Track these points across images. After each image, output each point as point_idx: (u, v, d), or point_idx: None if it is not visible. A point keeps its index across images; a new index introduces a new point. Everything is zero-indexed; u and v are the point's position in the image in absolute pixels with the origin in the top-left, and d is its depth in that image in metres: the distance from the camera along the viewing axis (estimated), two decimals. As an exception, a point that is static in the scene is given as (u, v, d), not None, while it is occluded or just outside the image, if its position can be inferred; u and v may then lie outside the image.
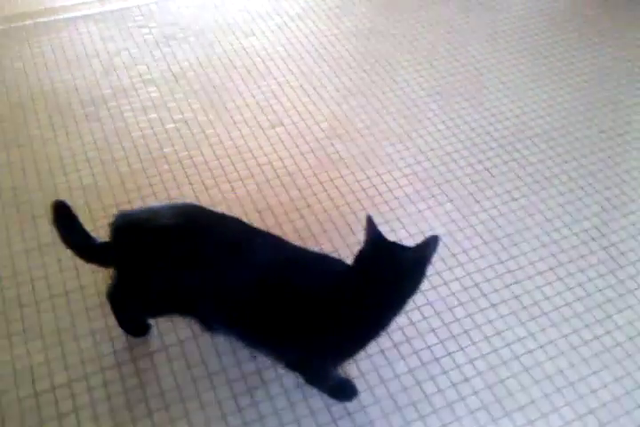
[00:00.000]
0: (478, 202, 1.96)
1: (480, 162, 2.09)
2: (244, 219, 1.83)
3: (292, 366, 1.39)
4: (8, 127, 2.13)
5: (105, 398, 1.46)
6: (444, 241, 1.84)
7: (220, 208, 1.91)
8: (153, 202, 1.91)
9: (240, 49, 2.52)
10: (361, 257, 1.26)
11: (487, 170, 2.06)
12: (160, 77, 2.36)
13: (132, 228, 1.32)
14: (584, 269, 1.79)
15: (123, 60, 2.43)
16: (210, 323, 1.37)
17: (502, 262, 1.80)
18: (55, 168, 2.00)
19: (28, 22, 2.60)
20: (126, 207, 1.89)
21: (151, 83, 2.34)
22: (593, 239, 1.87)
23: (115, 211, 1.85)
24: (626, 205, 1.97)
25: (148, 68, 2.40)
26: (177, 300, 1.32)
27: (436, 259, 1.73)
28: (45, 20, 2.62)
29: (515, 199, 1.97)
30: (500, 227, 1.89)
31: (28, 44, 2.49)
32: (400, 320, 1.57)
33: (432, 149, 2.13)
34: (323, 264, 1.32)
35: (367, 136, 2.17)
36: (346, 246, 1.83)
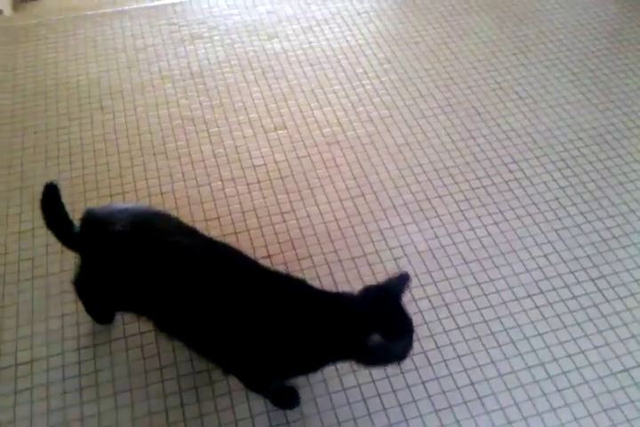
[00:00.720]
0: (467, 220, 1.89)
1: (478, 178, 2.01)
2: (228, 219, 1.93)
3: (231, 373, 1.40)
4: (29, 114, 2.27)
5: (60, 380, 1.53)
6: (422, 256, 1.80)
7: (207, 206, 1.96)
8: (143, 196, 1.98)
9: (260, 50, 2.55)
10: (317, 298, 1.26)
11: (484, 187, 1.99)
12: (178, 75, 2.44)
13: (91, 228, 1.37)
14: (566, 300, 1.68)
15: (147, 56, 2.53)
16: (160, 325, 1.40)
17: (478, 284, 1.73)
18: (63, 156, 2.12)
19: (69, 15, 2.76)
20: (120, 198, 1.97)
21: (168, 79, 2.42)
22: (583, 269, 1.75)
23: (108, 202, 1.96)
24: (627, 236, 1.84)
25: (169, 64, 2.49)
26: (126, 301, 1.37)
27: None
28: (85, 13, 2.76)
29: (506, 220, 1.89)
30: (484, 247, 1.82)
31: (65, 36, 2.64)
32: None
33: (431, 162, 2.07)
34: (269, 285, 1.28)
35: (367, 144, 2.15)
36: (321, 253, 1.82)
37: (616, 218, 1.89)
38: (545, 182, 1.99)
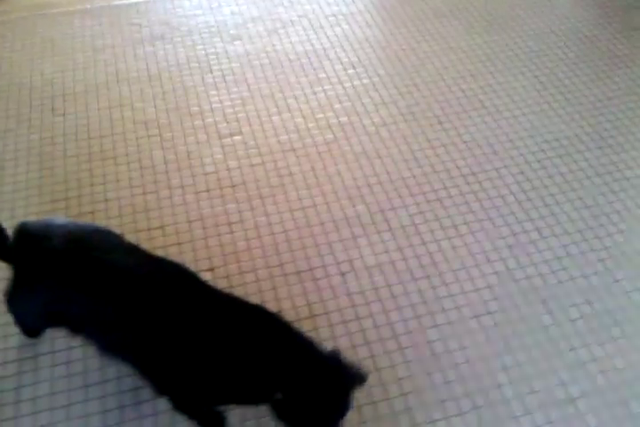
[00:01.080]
0: (420, 234, 1.83)
1: (434, 191, 1.95)
2: (172, 228, 1.86)
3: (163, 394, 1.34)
4: (-24, 116, 2.20)
5: (-20, 396, 1.47)
6: (370, 271, 1.73)
7: (154, 214, 1.89)
8: (86, 202, 1.90)
9: (222, 53, 2.48)
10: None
11: (439, 200, 1.92)
12: (135, 77, 2.36)
13: (25, 242, 1.29)
14: (513, 321, 1.62)
15: (105, 56, 2.45)
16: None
17: (425, 303, 1.66)
18: (8, 160, 2.04)
19: (30, 13, 2.68)
20: (62, 205, 1.90)
21: (125, 81, 2.34)
22: (534, 289, 1.69)
23: (50, 208, 1.89)
24: (584, 255, 1.77)
25: (127, 66, 2.41)
26: (57, 319, 1.30)
27: (354, 291, 1.66)
28: (45, 12, 2.68)
29: (460, 235, 1.82)
30: (434, 263, 1.75)
31: (23, 35, 2.56)
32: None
33: (387, 172, 2.01)
34: (213, 309, 1.21)
35: (324, 153, 2.08)
36: (266, 267, 1.75)
37: (573, 235, 1.82)
38: (502, 196, 1.93)
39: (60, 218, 1.32)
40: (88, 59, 2.44)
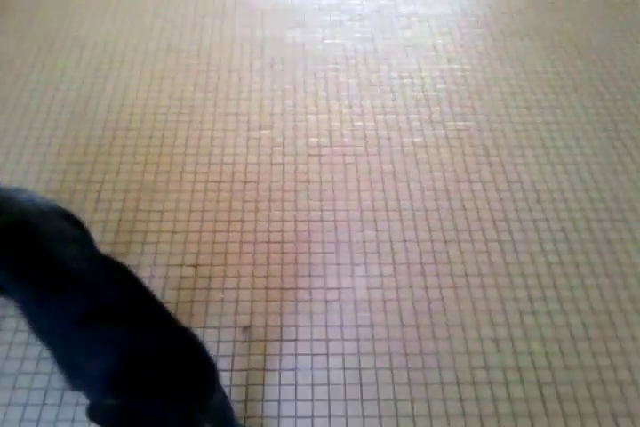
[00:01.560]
0: (424, 275, 1.64)
1: (456, 230, 1.74)
2: (171, 214, 1.77)
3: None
4: (22, 64, 2.20)
5: None
6: (357, 305, 1.57)
7: (159, 196, 1.81)
8: (89, 176, 1.85)
9: (279, 38, 2.34)
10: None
11: (458, 242, 1.71)
12: (185, 50, 2.28)
13: None
14: (498, 399, 1.42)
15: (164, 24, 2.39)
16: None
17: (405, 355, 1.49)
18: (40, 112, 2.03)
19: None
20: (75, 168, 1.87)
21: (174, 53, 2.26)
22: (533, 368, 1.47)
23: (63, 168, 1.86)
24: (604, 342, 1.53)
25: (181, 37, 2.33)
26: None
27: (333, 324, 1.50)
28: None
29: (469, 286, 1.62)
30: (430, 312, 1.57)
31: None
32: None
33: (410, 200, 1.82)
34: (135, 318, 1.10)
35: (349, 164, 1.91)
36: (250, 275, 1.63)
37: (600, 316, 1.57)
38: (531, 253, 1.69)
39: (26, 192, 1.25)
40: (146, 24, 2.38)
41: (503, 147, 1.96)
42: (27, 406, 1.38)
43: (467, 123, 2.03)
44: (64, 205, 1.28)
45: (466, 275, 1.64)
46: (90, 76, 2.16)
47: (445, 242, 1.72)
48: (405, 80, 2.18)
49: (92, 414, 0.89)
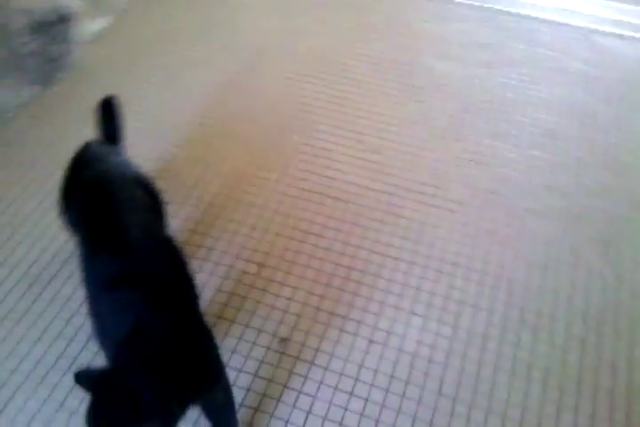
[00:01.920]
0: (483, 349, 1.50)
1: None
2: (257, 210, 1.79)
3: None
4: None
5: None
6: (399, 356, 1.47)
7: (251, 190, 1.84)
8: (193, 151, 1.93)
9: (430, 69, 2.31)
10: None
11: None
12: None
13: (75, 159, 1.35)
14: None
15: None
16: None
17: (431, 424, 1.37)
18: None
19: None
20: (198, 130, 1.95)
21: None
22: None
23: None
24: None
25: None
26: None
27: (368, 366, 1.43)
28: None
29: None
30: (473, 390, 1.43)
31: None
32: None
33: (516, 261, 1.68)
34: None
35: (457, 213, 1.82)
36: (307, 291, 1.60)
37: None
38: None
39: (120, 156, 1.34)
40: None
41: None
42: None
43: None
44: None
45: (529, 366, 1.48)
46: (245, 60, 2.26)
47: (521, 322, 1.56)
48: (546, 139, 2.04)
49: (79, 379, 0.91)
